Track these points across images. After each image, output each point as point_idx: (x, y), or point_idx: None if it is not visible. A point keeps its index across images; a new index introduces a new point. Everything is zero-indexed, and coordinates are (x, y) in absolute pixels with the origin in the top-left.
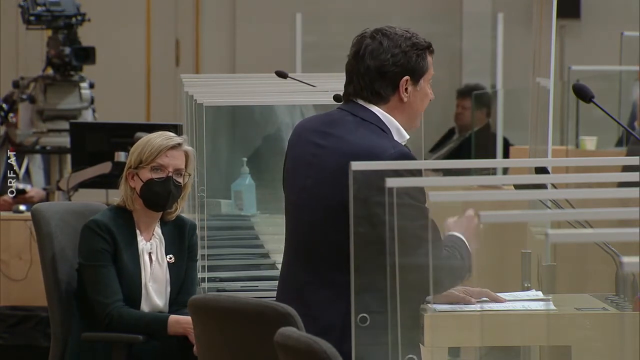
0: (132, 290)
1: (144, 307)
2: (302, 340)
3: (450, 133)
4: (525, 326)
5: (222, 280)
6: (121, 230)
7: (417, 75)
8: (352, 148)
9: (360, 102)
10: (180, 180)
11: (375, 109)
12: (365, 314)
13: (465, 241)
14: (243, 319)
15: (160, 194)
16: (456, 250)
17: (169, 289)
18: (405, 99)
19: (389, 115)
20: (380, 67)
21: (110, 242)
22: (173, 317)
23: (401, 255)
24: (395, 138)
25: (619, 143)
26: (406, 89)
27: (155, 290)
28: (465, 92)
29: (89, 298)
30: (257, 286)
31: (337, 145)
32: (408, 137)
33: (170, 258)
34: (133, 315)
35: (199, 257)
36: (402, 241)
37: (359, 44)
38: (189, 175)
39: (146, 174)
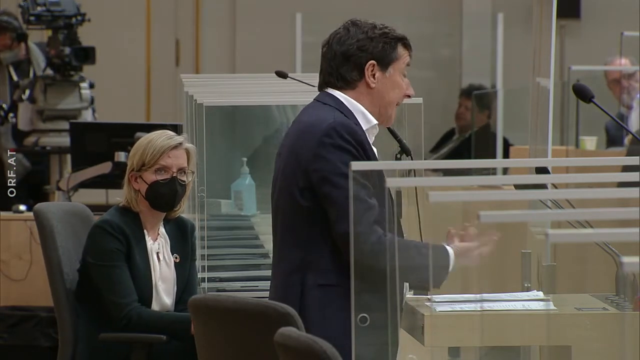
0: (144, 290)
1: (154, 306)
2: (302, 340)
3: (450, 133)
4: (525, 326)
5: (222, 280)
6: (131, 230)
7: (384, 61)
8: (300, 126)
9: (329, 90)
10: (184, 178)
11: (340, 95)
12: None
13: (450, 255)
14: (243, 319)
15: (166, 195)
16: (419, 248)
17: (175, 288)
18: (372, 85)
19: (353, 100)
20: (345, 51)
21: (124, 242)
22: None
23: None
24: (360, 122)
25: (609, 144)
26: (374, 74)
27: (164, 289)
28: (468, 92)
29: (102, 298)
30: (257, 286)
31: (293, 129)
32: (375, 122)
33: (176, 258)
34: (154, 316)
35: (198, 257)
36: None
37: (330, 35)
38: (192, 172)
39: (150, 177)
